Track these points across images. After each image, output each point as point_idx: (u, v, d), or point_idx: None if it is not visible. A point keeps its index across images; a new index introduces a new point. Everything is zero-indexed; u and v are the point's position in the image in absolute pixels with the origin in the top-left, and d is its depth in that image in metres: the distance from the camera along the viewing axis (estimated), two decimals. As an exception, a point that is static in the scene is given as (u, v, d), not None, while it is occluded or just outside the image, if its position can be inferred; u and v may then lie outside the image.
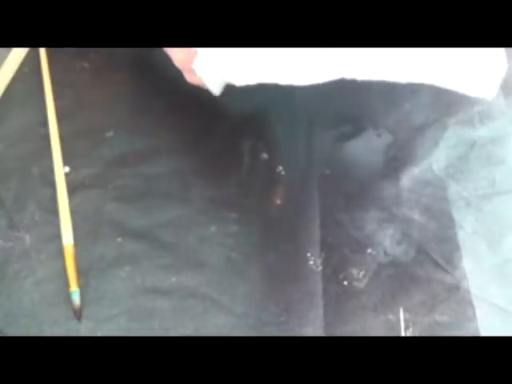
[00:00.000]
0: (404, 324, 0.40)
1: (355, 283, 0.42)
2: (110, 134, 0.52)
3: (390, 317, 0.40)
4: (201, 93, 0.51)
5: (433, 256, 0.44)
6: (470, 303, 0.41)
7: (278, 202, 0.47)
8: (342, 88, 0.50)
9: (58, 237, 0.45)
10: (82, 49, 0.57)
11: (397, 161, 0.50)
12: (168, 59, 0.49)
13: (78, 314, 0.40)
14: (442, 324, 0.40)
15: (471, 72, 0.43)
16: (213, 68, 0.44)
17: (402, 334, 0.39)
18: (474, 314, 0.40)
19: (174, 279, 0.43)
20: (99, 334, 0.40)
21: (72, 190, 0.48)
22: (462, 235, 0.45)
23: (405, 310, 0.40)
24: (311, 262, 0.43)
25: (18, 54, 0.58)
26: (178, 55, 0.47)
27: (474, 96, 0.43)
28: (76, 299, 0.41)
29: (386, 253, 0.44)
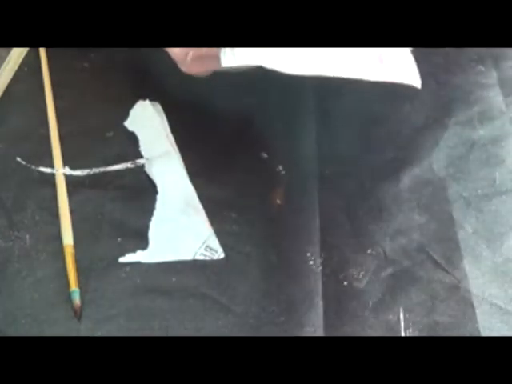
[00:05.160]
0: (404, 324, 0.40)
1: (355, 283, 0.42)
2: (109, 134, 0.52)
3: (390, 317, 0.40)
4: (200, 93, 0.51)
5: (433, 256, 0.44)
6: (470, 303, 0.41)
7: (278, 201, 0.47)
8: (342, 88, 0.50)
9: (58, 237, 0.45)
10: (82, 49, 0.57)
11: (397, 161, 0.50)
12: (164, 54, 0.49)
13: (77, 314, 0.40)
14: (442, 324, 0.40)
15: (392, 61, 0.43)
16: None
17: (402, 334, 0.39)
18: (474, 314, 0.40)
19: (174, 279, 0.43)
20: (99, 334, 0.40)
21: (72, 189, 0.48)
22: (462, 235, 0.45)
23: (405, 310, 0.40)
24: (311, 262, 0.43)
25: (18, 54, 0.58)
26: (173, 48, 0.47)
27: (404, 83, 0.43)
28: (76, 299, 0.41)
29: (385, 253, 0.44)
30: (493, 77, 0.57)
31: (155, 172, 0.48)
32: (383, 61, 0.42)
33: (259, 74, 0.49)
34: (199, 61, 0.48)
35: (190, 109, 0.53)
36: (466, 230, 0.45)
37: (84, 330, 0.40)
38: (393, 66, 0.43)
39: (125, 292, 0.42)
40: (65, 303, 0.41)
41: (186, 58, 0.48)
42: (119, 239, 0.45)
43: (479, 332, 0.39)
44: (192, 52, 0.47)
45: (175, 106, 0.54)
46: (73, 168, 0.48)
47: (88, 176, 0.48)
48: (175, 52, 0.47)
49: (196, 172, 0.49)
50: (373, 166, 0.50)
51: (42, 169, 0.48)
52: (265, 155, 0.51)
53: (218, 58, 0.42)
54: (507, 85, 0.56)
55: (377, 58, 0.42)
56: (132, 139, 0.51)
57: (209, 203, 0.47)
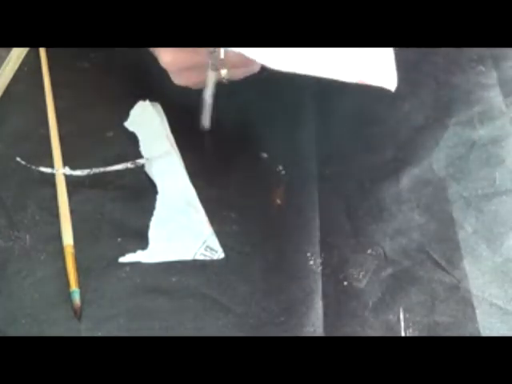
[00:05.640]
0: (404, 324, 0.40)
1: (355, 283, 0.42)
2: (109, 133, 0.52)
3: (390, 317, 0.40)
4: (200, 93, 0.51)
5: (433, 256, 0.44)
6: (470, 303, 0.41)
7: (278, 201, 0.47)
8: (343, 88, 0.50)
9: (58, 237, 0.45)
10: (82, 49, 0.57)
11: (397, 161, 0.50)
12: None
13: (77, 314, 0.40)
14: (442, 324, 0.40)
15: (370, 63, 0.43)
16: None
17: (402, 334, 0.39)
18: (474, 314, 0.40)
19: (174, 279, 0.43)
20: (99, 334, 0.40)
21: (72, 189, 0.48)
22: (462, 235, 0.45)
23: (405, 310, 0.40)
24: (311, 262, 0.43)
25: (17, 54, 0.58)
26: (165, 57, 0.47)
27: (377, 86, 0.43)
28: (76, 299, 0.41)
29: (385, 253, 0.44)
30: (493, 77, 0.57)
31: (155, 172, 0.48)
32: (360, 61, 0.42)
33: (258, 75, 0.49)
34: (189, 72, 0.48)
35: (190, 109, 0.54)
36: (466, 230, 0.45)
37: (84, 329, 0.40)
38: (368, 67, 0.43)
39: (125, 292, 0.42)
40: (65, 303, 0.41)
41: (176, 69, 0.47)
42: (119, 239, 0.45)
43: (479, 332, 0.39)
44: (181, 63, 0.47)
45: (175, 107, 0.54)
46: (73, 168, 0.48)
47: (88, 176, 0.48)
48: (166, 62, 0.47)
49: (196, 172, 0.49)
50: (373, 166, 0.50)
51: (42, 169, 0.48)
52: (265, 155, 0.51)
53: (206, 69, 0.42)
54: (507, 85, 0.56)
55: (353, 58, 0.42)
56: (132, 139, 0.51)
57: (209, 203, 0.47)
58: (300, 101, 0.55)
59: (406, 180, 0.49)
